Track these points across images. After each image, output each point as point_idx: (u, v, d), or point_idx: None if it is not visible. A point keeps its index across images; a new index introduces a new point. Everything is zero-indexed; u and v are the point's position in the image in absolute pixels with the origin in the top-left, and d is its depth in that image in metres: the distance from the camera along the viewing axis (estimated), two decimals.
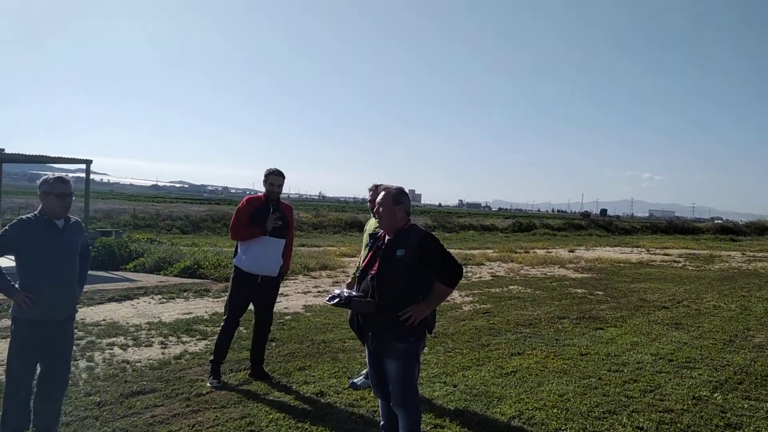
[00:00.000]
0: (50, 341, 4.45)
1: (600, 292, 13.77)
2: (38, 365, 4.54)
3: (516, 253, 24.27)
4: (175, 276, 14.68)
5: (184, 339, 8.28)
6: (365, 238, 6.15)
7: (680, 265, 22.14)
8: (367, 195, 5.87)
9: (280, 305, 10.71)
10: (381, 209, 4.20)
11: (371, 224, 6.08)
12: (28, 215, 4.46)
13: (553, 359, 7.50)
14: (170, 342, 8.08)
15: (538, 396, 6.05)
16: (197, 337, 8.46)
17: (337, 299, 4.05)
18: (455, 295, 12.81)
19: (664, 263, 22.64)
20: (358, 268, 6.25)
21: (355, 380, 6.31)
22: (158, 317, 9.72)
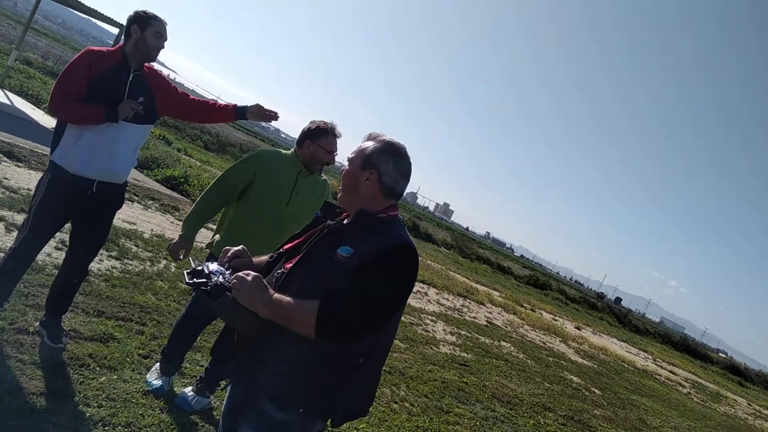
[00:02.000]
0: None
1: (597, 391, 11.73)
2: None
3: (522, 306, 22.19)
4: (156, 180, 12.95)
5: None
6: (239, 171, 3.91)
7: (685, 391, 19.91)
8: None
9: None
10: (343, 172, 2.38)
11: (284, 161, 3.90)
12: None
13: None
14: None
15: None
16: (113, 252, 6.66)
17: (203, 280, 2.12)
18: (438, 328, 10.89)
19: (669, 381, 20.40)
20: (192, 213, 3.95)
21: (151, 379, 4.10)
22: None
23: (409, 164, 2.38)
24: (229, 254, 2.26)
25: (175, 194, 12.45)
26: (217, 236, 3.93)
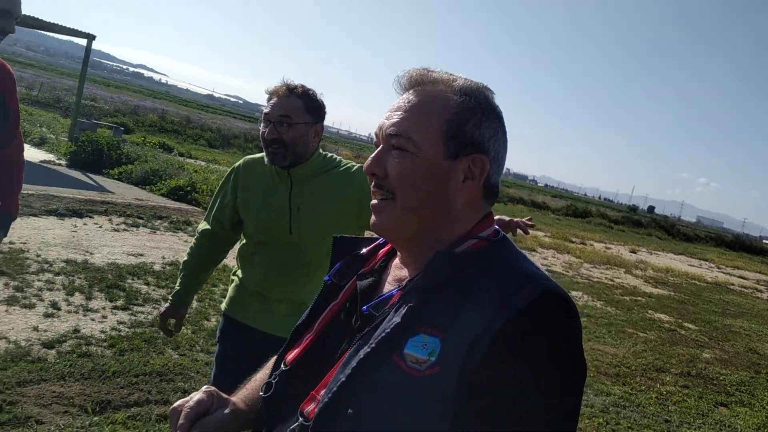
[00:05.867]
0: None
1: (691, 326, 10.46)
2: None
3: (572, 242, 20.88)
4: (161, 195, 11.77)
5: (95, 304, 5.30)
6: (219, 198, 2.61)
7: (765, 296, 18.59)
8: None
9: None
10: (400, 167, 1.10)
11: (258, 171, 2.51)
12: None
13: None
14: (68, 305, 5.12)
15: None
16: (118, 301, 5.49)
17: None
18: None
19: (745, 289, 19.07)
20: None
21: None
22: (90, 253, 6.78)
23: None
24: (182, 416, 1.08)
25: (184, 206, 11.27)
26: (230, 289, 2.66)
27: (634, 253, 23.18)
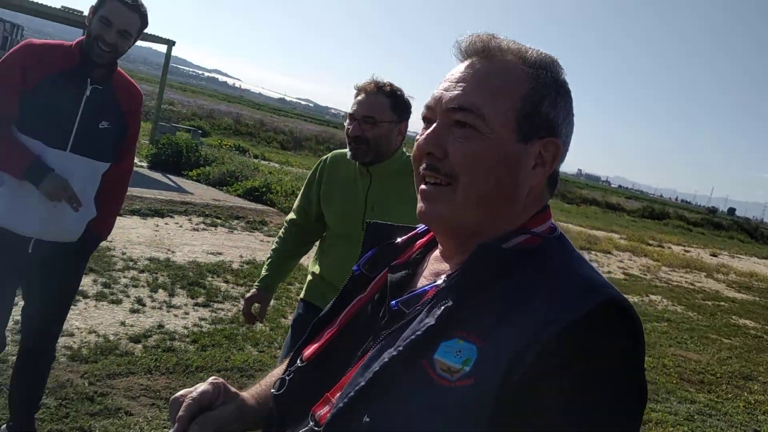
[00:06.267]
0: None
1: None
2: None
3: (648, 245, 20.26)
4: (237, 196, 12.04)
5: (177, 300, 5.47)
6: (305, 190, 2.67)
7: None
8: None
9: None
10: (460, 152, 0.94)
11: (344, 169, 2.56)
12: None
13: None
14: (152, 302, 5.30)
15: None
16: (199, 297, 5.66)
17: None
18: None
19: None
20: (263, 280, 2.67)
21: None
22: (172, 251, 7.00)
23: None
24: (183, 408, 1.00)
25: (259, 206, 11.50)
26: (308, 277, 2.72)
27: (715, 256, 22.30)
